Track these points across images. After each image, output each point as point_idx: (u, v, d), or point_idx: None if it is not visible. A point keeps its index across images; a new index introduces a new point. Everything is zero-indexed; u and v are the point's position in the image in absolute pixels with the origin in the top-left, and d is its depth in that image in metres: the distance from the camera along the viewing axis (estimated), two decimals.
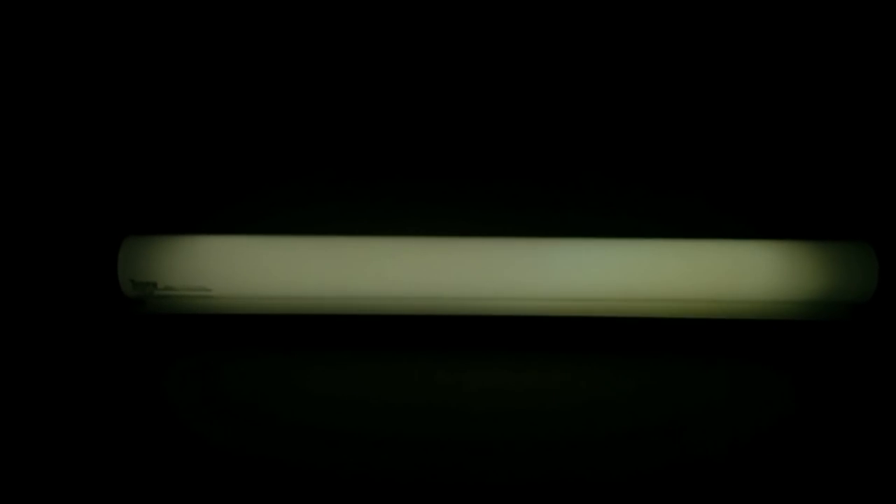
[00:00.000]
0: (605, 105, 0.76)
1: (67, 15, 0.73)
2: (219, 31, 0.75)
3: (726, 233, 0.71)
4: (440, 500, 0.62)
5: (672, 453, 0.64)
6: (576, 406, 0.67)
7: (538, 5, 0.75)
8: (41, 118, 0.74)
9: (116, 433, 0.65)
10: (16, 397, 0.67)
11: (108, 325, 0.70)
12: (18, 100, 0.74)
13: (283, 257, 0.68)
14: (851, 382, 0.68)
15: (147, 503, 0.61)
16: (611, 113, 0.76)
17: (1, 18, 0.72)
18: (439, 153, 0.76)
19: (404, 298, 0.69)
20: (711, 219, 0.74)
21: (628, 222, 0.74)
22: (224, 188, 0.75)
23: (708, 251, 0.69)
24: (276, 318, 0.70)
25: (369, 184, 0.75)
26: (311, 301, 0.70)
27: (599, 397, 0.67)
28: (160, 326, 0.70)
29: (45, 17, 0.73)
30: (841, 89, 0.75)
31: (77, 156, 0.74)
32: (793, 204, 0.75)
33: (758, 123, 0.76)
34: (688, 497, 0.62)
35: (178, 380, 0.68)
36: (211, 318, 0.69)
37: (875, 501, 0.62)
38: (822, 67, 0.75)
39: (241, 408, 0.66)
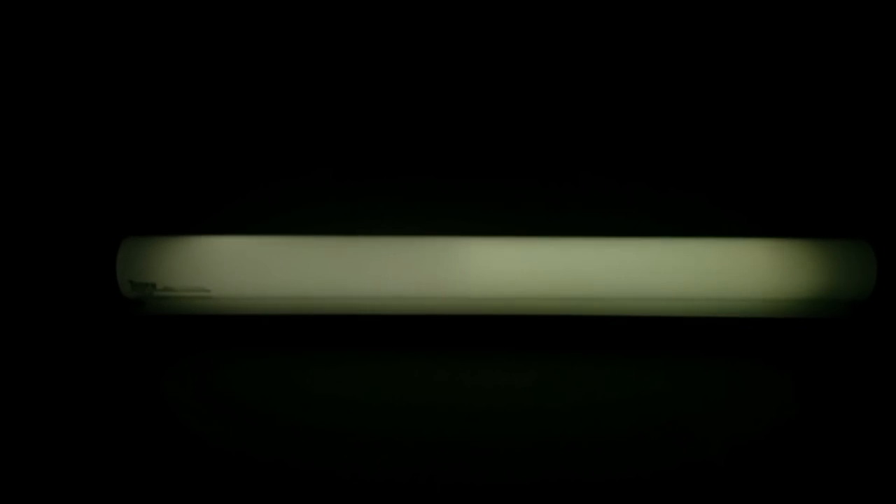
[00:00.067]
0: (605, 105, 0.76)
1: (67, 15, 0.73)
2: (215, 31, 0.75)
3: (725, 231, 0.71)
4: (440, 500, 0.62)
5: (672, 452, 0.64)
6: (575, 405, 0.67)
7: (537, 5, 0.75)
8: (40, 119, 0.74)
9: (116, 434, 0.64)
10: (15, 398, 0.67)
11: (107, 326, 0.70)
12: (18, 100, 0.74)
13: (282, 257, 0.68)
14: (851, 379, 0.68)
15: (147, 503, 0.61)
16: (610, 113, 0.76)
17: (1, 18, 0.72)
18: (439, 153, 0.76)
19: (404, 298, 0.69)
20: (710, 217, 0.74)
21: (627, 221, 0.74)
22: (223, 189, 0.75)
23: (707, 250, 0.69)
24: (276, 319, 0.70)
25: (369, 184, 0.75)
26: (311, 301, 0.70)
27: (599, 397, 0.67)
28: (159, 327, 0.70)
29: (45, 17, 0.73)
30: (839, 88, 0.76)
31: (76, 157, 0.74)
32: (792, 202, 0.75)
33: (756, 122, 0.76)
34: (688, 496, 0.62)
35: (177, 380, 0.68)
36: (210, 319, 0.69)
37: (875, 500, 0.62)
38: (820, 66, 0.76)
39: (241, 408, 0.66)
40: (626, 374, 0.69)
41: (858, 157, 0.75)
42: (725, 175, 0.76)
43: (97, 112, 0.75)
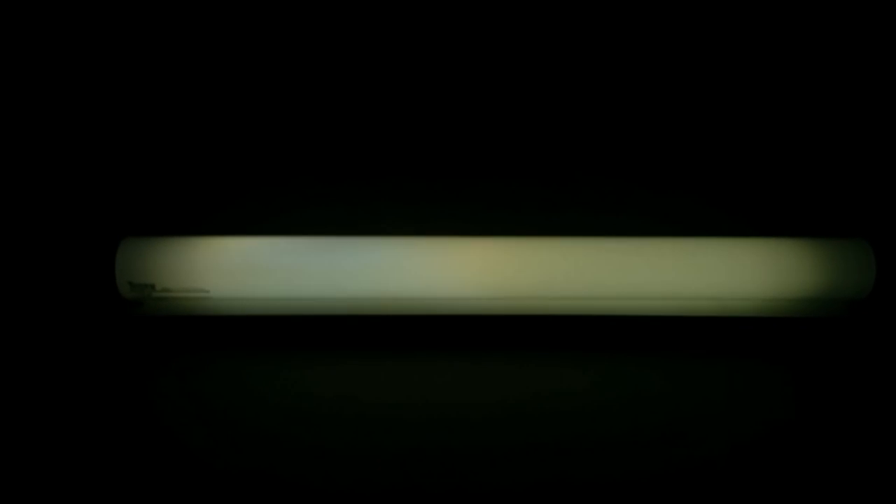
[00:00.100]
0: (604, 104, 0.76)
1: (67, 15, 0.73)
2: (214, 32, 0.75)
3: (724, 231, 0.72)
4: (440, 500, 0.62)
5: (671, 451, 0.64)
6: (575, 405, 0.67)
7: (536, 5, 0.75)
8: (39, 120, 0.74)
9: (114, 434, 0.64)
10: (13, 399, 0.66)
11: (105, 326, 0.70)
12: (17, 101, 0.74)
13: (282, 258, 0.68)
14: (850, 378, 0.68)
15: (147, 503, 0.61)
16: (609, 112, 0.76)
17: (1, 19, 0.72)
18: (439, 153, 0.76)
19: (404, 298, 0.69)
20: (709, 217, 0.74)
21: (627, 221, 0.74)
22: (222, 189, 0.75)
23: (706, 249, 0.69)
24: (275, 319, 0.70)
25: (368, 184, 0.75)
26: (310, 302, 0.70)
27: (598, 396, 0.67)
28: (158, 328, 0.70)
29: (45, 17, 0.73)
30: (838, 88, 0.76)
31: (74, 157, 0.74)
32: (790, 201, 0.75)
33: (755, 121, 0.76)
34: (687, 496, 0.62)
35: (175, 381, 0.68)
36: (209, 320, 0.69)
37: (874, 499, 0.62)
38: (818, 65, 0.76)
39: (240, 409, 0.66)
40: (626, 374, 0.69)
41: (857, 157, 0.76)
42: (724, 174, 0.76)
43: (96, 113, 0.75)
